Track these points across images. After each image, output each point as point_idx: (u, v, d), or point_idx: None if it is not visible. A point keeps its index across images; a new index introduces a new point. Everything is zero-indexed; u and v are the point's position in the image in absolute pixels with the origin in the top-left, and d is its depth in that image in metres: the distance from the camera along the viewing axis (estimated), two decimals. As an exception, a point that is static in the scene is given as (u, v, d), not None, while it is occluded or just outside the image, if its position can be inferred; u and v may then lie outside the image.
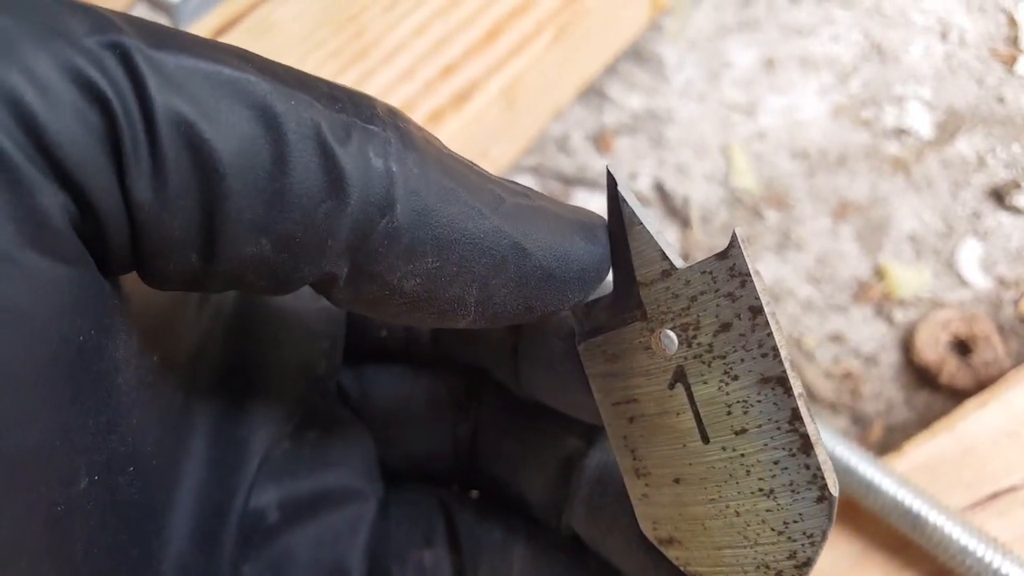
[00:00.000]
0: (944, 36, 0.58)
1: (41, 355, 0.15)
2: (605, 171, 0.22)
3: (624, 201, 0.21)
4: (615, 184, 0.21)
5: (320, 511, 0.26)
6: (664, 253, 0.20)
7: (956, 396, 0.47)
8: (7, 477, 0.15)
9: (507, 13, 0.49)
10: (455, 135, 0.46)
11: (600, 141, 0.57)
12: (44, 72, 0.14)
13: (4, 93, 0.14)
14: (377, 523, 0.27)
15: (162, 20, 0.56)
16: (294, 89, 0.17)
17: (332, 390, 0.28)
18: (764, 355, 0.19)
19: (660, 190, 0.55)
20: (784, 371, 0.19)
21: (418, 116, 0.46)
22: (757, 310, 0.19)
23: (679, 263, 0.20)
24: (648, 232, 0.21)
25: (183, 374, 0.23)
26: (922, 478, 0.40)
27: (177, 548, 0.23)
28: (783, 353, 0.19)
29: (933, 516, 0.38)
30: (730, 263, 0.19)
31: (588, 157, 0.57)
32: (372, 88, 0.48)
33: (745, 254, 0.19)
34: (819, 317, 0.51)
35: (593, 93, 0.58)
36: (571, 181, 0.57)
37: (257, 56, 0.17)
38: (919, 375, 0.49)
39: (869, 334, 0.50)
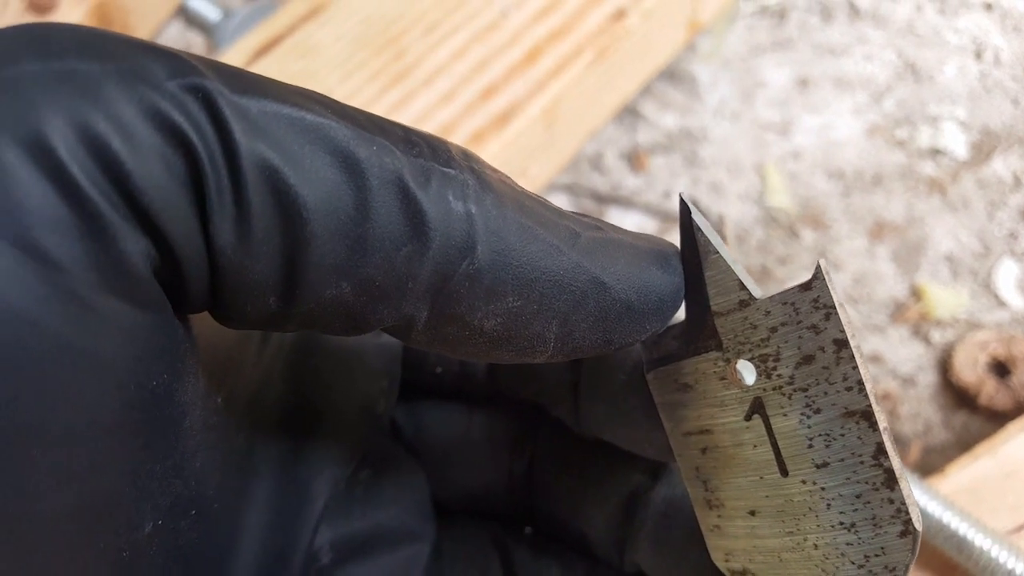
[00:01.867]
0: (979, 56, 0.58)
1: (118, 402, 0.15)
2: (678, 199, 0.21)
3: (699, 230, 0.21)
4: (689, 212, 0.21)
5: (373, 552, 0.26)
6: (742, 283, 0.20)
7: (995, 418, 0.47)
8: (80, 524, 0.15)
9: (547, 35, 0.49)
10: (495, 156, 0.46)
11: (634, 160, 0.57)
12: (128, 117, 0.14)
13: (90, 139, 0.14)
14: (431, 564, 0.27)
15: (200, 40, 0.57)
16: (374, 135, 0.17)
17: (386, 428, 0.28)
18: (848, 388, 0.19)
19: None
20: (869, 405, 0.19)
21: (459, 138, 0.47)
22: (842, 343, 0.19)
23: (757, 293, 0.20)
24: (725, 261, 0.20)
25: (245, 415, 0.22)
26: (965, 501, 0.40)
27: None
28: (868, 386, 0.19)
29: (979, 539, 0.38)
30: (814, 295, 0.19)
31: (622, 175, 0.57)
32: (412, 110, 0.48)
33: (830, 285, 0.19)
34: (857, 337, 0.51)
35: (627, 112, 0.59)
36: (605, 199, 0.57)
37: (335, 102, 0.17)
38: (957, 396, 0.48)
39: (907, 355, 0.50)
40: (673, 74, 0.60)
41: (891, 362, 0.50)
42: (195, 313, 0.18)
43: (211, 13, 0.55)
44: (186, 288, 0.16)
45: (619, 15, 0.50)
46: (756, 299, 0.20)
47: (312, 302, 0.17)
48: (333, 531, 0.25)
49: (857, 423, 0.19)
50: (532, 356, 0.19)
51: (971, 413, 0.48)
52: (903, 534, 0.19)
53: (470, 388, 0.28)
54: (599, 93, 0.51)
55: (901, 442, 0.48)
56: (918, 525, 0.19)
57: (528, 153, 0.49)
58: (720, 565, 0.22)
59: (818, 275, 0.19)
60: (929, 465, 0.46)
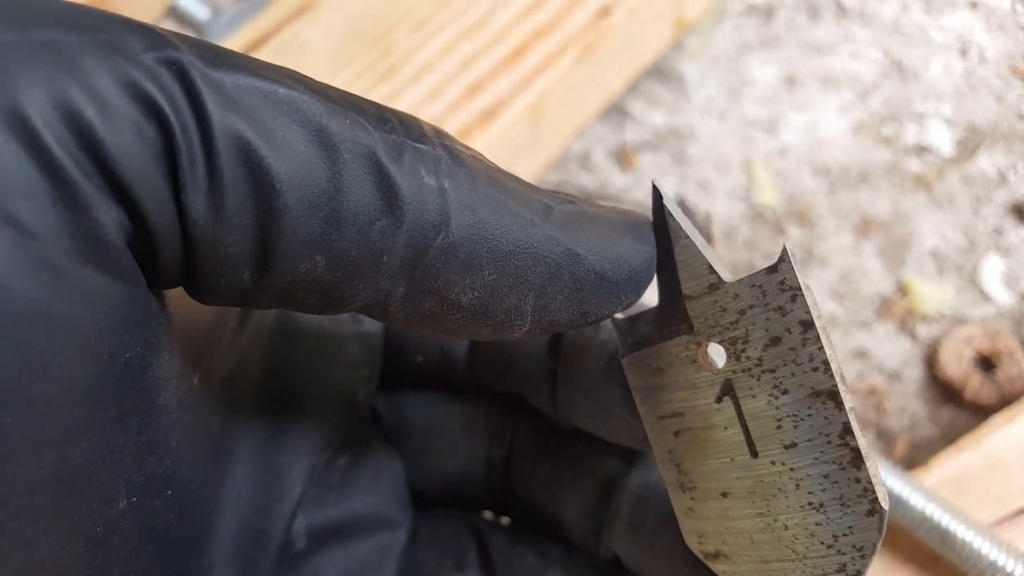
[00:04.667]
0: (964, 53, 0.58)
1: (91, 371, 0.15)
2: (651, 186, 0.22)
3: (670, 215, 0.21)
4: (661, 198, 0.21)
5: (348, 539, 0.26)
6: (711, 266, 0.20)
7: (980, 412, 0.47)
8: (53, 494, 0.15)
9: (533, 32, 0.50)
10: (482, 152, 0.47)
11: (622, 158, 0.58)
12: (104, 88, 0.14)
13: (64, 108, 0.14)
14: (407, 551, 0.27)
15: (189, 39, 0.57)
16: (347, 110, 0.17)
17: (366, 416, 0.28)
18: (815, 369, 0.19)
19: (682, 206, 0.56)
20: (835, 385, 0.19)
21: (445, 133, 0.47)
22: (808, 324, 0.19)
23: (727, 277, 0.20)
24: (695, 245, 0.21)
25: (221, 397, 0.23)
26: (949, 493, 0.40)
27: None
28: (834, 367, 0.19)
29: (962, 531, 0.38)
30: (780, 277, 0.19)
31: (610, 173, 0.57)
32: (399, 106, 0.48)
33: (795, 268, 0.19)
34: (843, 333, 0.51)
35: (615, 110, 0.59)
36: (593, 198, 0.57)
37: (308, 78, 0.17)
38: (943, 391, 0.49)
39: (893, 350, 0.50)
40: (661, 72, 0.60)
41: (877, 357, 0.50)
42: (169, 288, 0.18)
43: (201, 12, 0.55)
44: (160, 260, 0.16)
45: (604, 12, 0.50)
46: (725, 282, 0.20)
47: (286, 276, 0.17)
48: (309, 517, 0.25)
49: (823, 403, 0.19)
50: (510, 330, 0.20)
51: (957, 407, 0.48)
52: (870, 513, 0.19)
53: (450, 377, 0.28)
54: (585, 90, 0.52)
55: (888, 437, 0.48)
56: (884, 504, 0.19)
57: (514, 149, 0.49)
58: (693, 548, 0.22)
59: (784, 258, 0.19)
60: (915, 460, 0.46)
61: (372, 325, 0.28)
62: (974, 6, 0.60)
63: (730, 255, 0.54)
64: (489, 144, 0.47)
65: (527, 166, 0.52)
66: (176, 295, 0.19)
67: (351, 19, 0.51)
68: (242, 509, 0.23)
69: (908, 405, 0.49)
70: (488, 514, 0.29)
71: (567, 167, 0.58)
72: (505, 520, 0.29)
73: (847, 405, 0.19)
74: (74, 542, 0.16)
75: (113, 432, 0.16)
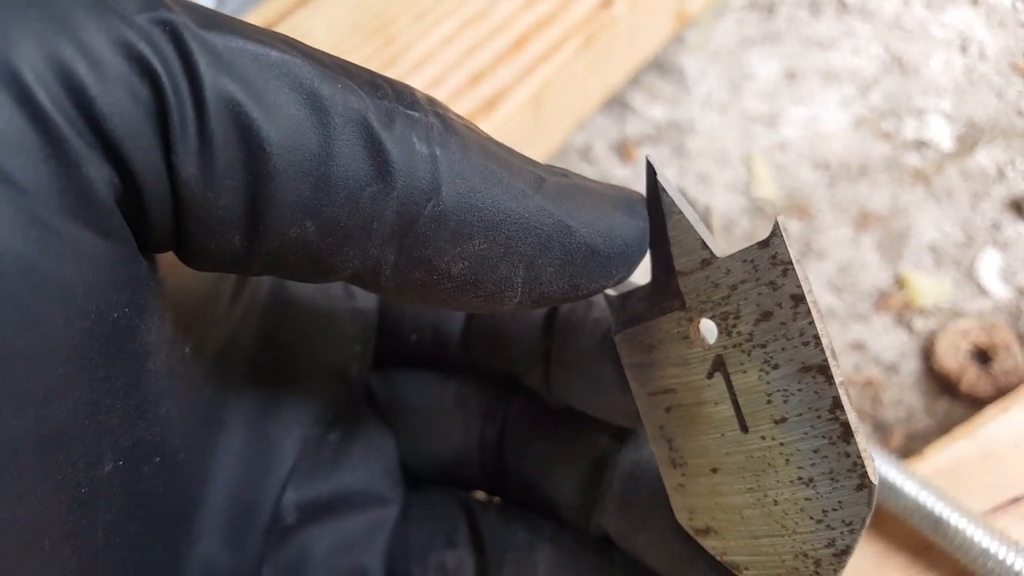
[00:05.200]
0: (964, 50, 0.59)
1: (78, 329, 0.15)
2: (645, 162, 0.22)
3: (664, 191, 0.21)
4: (655, 174, 0.21)
5: (338, 514, 0.26)
6: (704, 242, 0.20)
7: (976, 404, 0.47)
8: (37, 452, 0.15)
9: (535, 22, 0.50)
10: (483, 141, 0.47)
11: (623, 150, 0.58)
12: (96, 46, 0.14)
13: (56, 65, 0.14)
14: (397, 527, 0.27)
15: (193, 27, 0.57)
16: (339, 75, 0.17)
17: (359, 393, 0.28)
18: (805, 343, 0.19)
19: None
20: (825, 359, 0.19)
21: (446, 122, 0.47)
22: (799, 298, 0.19)
23: (719, 252, 0.20)
24: (687, 221, 0.21)
25: (214, 367, 0.23)
26: (943, 482, 0.40)
27: (205, 547, 0.23)
28: (824, 341, 0.19)
29: (955, 518, 0.38)
30: (772, 251, 0.19)
31: (611, 166, 0.58)
32: (401, 95, 0.48)
33: (787, 242, 0.19)
34: (841, 325, 0.51)
35: (616, 103, 0.59)
36: (593, 189, 0.57)
37: (301, 43, 0.17)
38: (939, 383, 0.49)
39: (890, 342, 0.50)
40: (662, 66, 0.60)
41: (874, 350, 0.50)
42: (161, 252, 0.18)
43: (205, 0, 0.55)
44: (150, 221, 0.16)
45: (606, 3, 0.50)
46: (717, 258, 0.20)
47: (276, 241, 0.17)
48: (299, 491, 0.25)
49: (814, 377, 0.19)
50: (501, 302, 0.20)
51: (953, 400, 0.48)
52: (859, 487, 0.19)
53: (444, 356, 0.28)
54: (586, 80, 0.52)
55: (884, 429, 0.48)
56: (874, 479, 0.19)
57: (516, 139, 0.50)
58: (684, 524, 0.22)
59: (776, 232, 0.19)
60: (911, 451, 0.46)
61: (367, 301, 0.28)
62: (975, 3, 0.60)
63: (729, 248, 0.54)
64: (490, 133, 0.47)
65: (528, 155, 0.52)
66: (170, 263, 0.19)
67: (354, 8, 0.51)
68: (233, 480, 0.23)
69: (904, 397, 0.49)
70: (480, 494, 0.30)
71: (569, 159, 0.58)
72: (497, 500, 0.29)
73: (837, 380, 0.19)
74: (58, 502, 0.16)
75: (100, 393, 0.16)
